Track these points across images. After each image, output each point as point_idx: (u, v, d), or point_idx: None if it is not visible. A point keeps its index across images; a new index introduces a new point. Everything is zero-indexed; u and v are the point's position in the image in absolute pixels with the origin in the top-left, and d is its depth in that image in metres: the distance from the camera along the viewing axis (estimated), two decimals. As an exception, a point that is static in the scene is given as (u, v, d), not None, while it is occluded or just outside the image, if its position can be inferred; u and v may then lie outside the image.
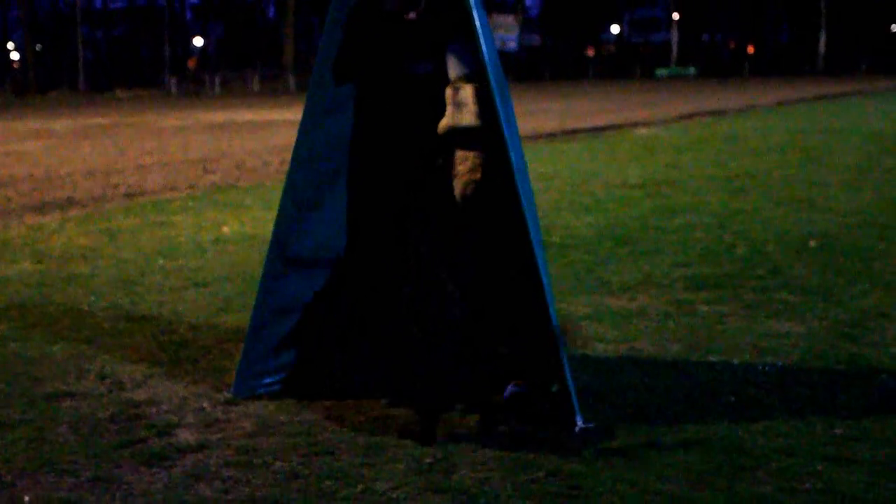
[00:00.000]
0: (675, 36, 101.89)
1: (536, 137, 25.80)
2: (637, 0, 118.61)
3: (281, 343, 6.27)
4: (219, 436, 5.68)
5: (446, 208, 5.72)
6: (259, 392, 6.26)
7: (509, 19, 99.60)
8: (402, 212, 5.83)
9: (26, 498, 4.92)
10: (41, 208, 15.15)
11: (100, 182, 18.45)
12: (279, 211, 6.18)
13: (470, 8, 5.62)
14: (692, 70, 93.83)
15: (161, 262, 10.72)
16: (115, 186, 17.74)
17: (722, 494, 4.82)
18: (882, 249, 10.55)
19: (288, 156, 6.40)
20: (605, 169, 18.83)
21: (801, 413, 5.87)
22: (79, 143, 28.35)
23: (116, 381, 6.70)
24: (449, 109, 5.75)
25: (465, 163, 5.74)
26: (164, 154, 23.99)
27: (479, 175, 5.73)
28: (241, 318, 7.97)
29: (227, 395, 6.30)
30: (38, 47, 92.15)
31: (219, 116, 40.98)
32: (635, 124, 31.18)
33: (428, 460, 5.27)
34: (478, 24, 5.61)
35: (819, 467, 5.10)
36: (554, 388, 5.84)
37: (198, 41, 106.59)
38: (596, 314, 8.14)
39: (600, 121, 32.91)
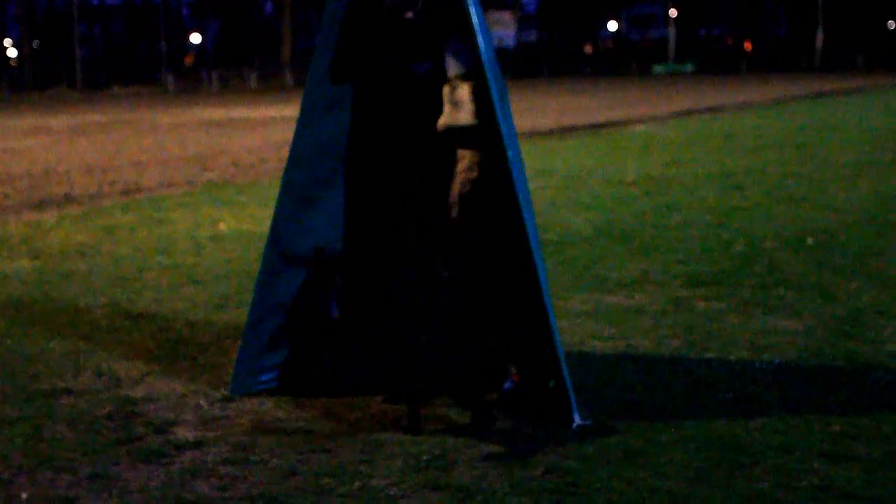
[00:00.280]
0: (672, 32, 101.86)
1: (534, 134, 25.80)
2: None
3: (278, 340, 6.27)
4: (216, 433, 5.68)
5: (443, 205, 5.72)
6: (256, 389, 6.26)
7: (506, 16, 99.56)
8: (398, 208, 5.83)
9: (24, 495, 4.91)
10: (38, 205, 15.15)
11: (97, 179, 18.44)
12: (276, 208, 6.18)
13: (467, 6, 5.62)
14: (690, 66, 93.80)
15: (158, 259, 10.72)
16: (113, 183, 17.74)
17: (719, 491, 4.82)
18: (879, 246, 10.56)
19: (285, 153, 6.40)
20: (603, 166, 18.83)
21: (799, 410, 5.87)
22: (76, 140, 28.33)
23: (114, 378, 6.70)
24: (446, 108, 5.76)
25: (462, 161, 5.74)
26: (162, 151, 23.98)
27: (476, 173, 5.74)
28: (238, 315, 7.97)
29: (225, 392, 6.30)
30: (35, 44, 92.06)
31: (216, 113, 40.96)
32: (633, 121, 31.18)
33: (425, 457, 5.27)
34: (475, 22, 5.61)
35: (816, 464, 5.11)
36: (551, 385, 5.85)
37: (195, 38, 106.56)
38: (594, 311, 8.14)
39: (598, 118, 32.91)
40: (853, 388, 6.24)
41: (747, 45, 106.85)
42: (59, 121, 37.86)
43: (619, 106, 40.42)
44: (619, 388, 6.29)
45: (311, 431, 5.67)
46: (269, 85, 76.90)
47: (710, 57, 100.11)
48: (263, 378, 6.29)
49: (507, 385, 6.02)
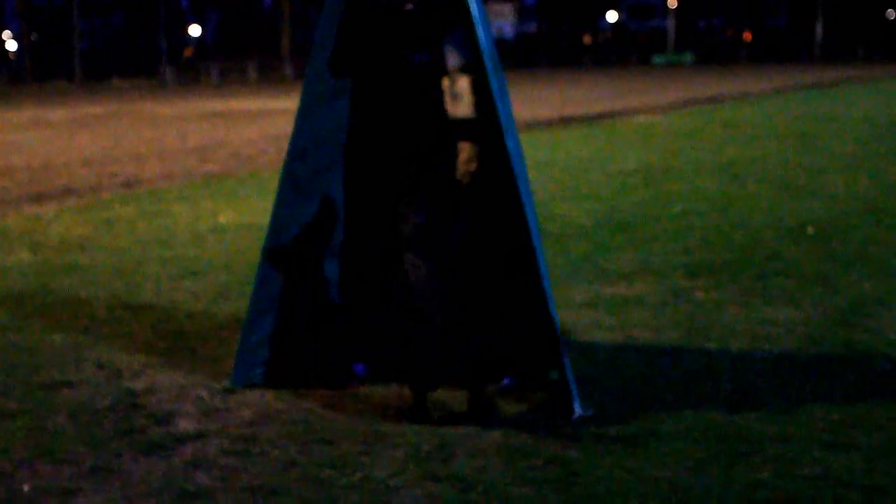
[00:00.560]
0: (672, 22, 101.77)
1: (533, 125, 25.79)
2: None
3: (279, 332, 6.27)
4: (217, 424, 5.69)
5: (443, 197, 5.72)
6: (257, 381, 6.27)
7: (506, 7, 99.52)
8: (399, 200, 5.83)
9: (25, 487, 4.92)
10: (38, 198, 15.15)
11: (97, 172, 18.44)
12: (276, 200, 6.18)
13: (467, -2, 5.62)
14: (689, 57, 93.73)
15: (158, 251, 10.72)
16: (112, 176, 17.73)
17: (720, 480, 4.83)
18: (879, 236, 10.56)
19: (285, 145, 6.38)
20: (603, 156, 18.83)
21: (799, 399, 5.88)
22: (76, 132, 28.32)
23: (115, 370, 6.70)
24: (446, 100, 5.76)
25: (461, 153, 5.74)
26: (161, 143, 23.98)
27: (475, 165, 5.74)
28: (238, 306, 7.98)
29: (226, 383, 6.31)
30: (33, 37, 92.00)
31: (216, 105, 40.94)
32: (632, 112, 31.17)
33: (426, 448, 5.28)
34: (475, 14, 5.62)
35: (816, 453, 5.12)
36: (553, 376, 5.85)
37: (194, 30, 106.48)
38: (594, 302, 8.15)
39: (597, 108, 32.89)
40: (853, 378, 6.25)
41: (747, 36, 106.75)
42: (59, 113, 37.85)
43: (619, 96, 40.40)
44: (620, 379, 6.30)
45: (311, 423, 5.68)
46: (269, 77, 76.84)
47: (710, 47, 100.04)
48: (263, 369, 6.29)
49: (505, 381, 6.04)
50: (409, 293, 5.71)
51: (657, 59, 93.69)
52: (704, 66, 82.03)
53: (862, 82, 48.56)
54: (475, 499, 4.71)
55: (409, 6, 5.79)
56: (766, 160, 17.52)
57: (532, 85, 51.86)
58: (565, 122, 27.81)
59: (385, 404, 5.91)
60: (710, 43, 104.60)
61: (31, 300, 8.68)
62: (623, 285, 8.68)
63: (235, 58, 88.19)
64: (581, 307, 7.98)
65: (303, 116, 6.09)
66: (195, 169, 18.56)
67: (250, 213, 13.02)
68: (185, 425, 5.69)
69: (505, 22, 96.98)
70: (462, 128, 5.75)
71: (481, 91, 5.70)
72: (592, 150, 20.20)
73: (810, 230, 10.85)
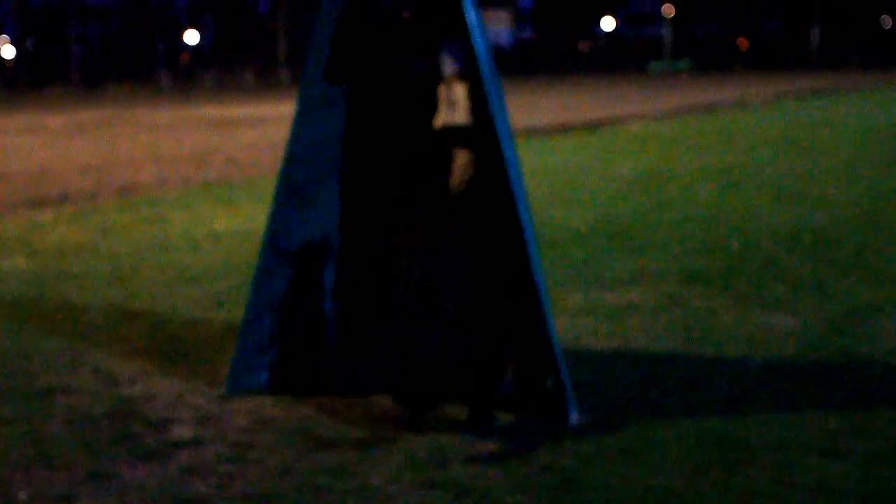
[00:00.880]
0: (668, 30, 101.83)
1: (530, 132, 25.80)
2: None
3: (275, 338, 6.27)
4: (214, 431, 5.69)
5: (440, 204, 5.73)
6: (254, 387, 6.26)
7: (502, 14, 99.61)
8: (396, 207, 5.84)
9: (22, 494, 4.92)
10: (35, 204, 15.13)
11: (93, 178, 18.43)
12: (273, 206, 6.18)
13: (464, 5, 5.63)
14: (685, 64, 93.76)
15: (155, 257, 10.72)
16: (109, 182, 17.73)
17: (716, 488, 4.83)
18: (875, 243, 10.58)
19: (281, 151, 6.39)
20: (599, 163, 18.84)
21: (795, 406, 5.88)
22: (72, 138, 28.31)
23: (111, 376, 6.70)
24: (442, 107, 5.76)
25: (458, 160, 5.75)
26: (158, 149, 23.97)
27: (472, 172, 5.74)
28: (235, 313, 7.98)
29: (222, 390, 6.30)
30: (28, 44, 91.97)
31: (212, 111, 40.94)
32: (629, 118, 31.19)
33: (422, 455, 5.28)
34: (471, 21, 5.62)
35: (812, 461, 5.12)
36: (549, 384, 5.85)
37: (191, 36, 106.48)
38: (590, 308, 8.15)
39: (594, 115, 32.91)
40: (849, 385, 6.26)
41: (743, 43, 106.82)
42: (55, 119, 37.83)
43: (616, 103, 40.43)
44: (616, 386, 6.31)
45: (308, 429, 5.68)
46: (265, 83, 76.81)
47: (707, 54, 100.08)
48: (260, 376, 6.29)
49: (503, 385, 6.03)
50: (406, 301, 5.71)
51: (654, 66, 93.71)
52: (701, 73, 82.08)
53: (857, 89, 48.61)
54: (471, 506, 4.71)
55: (406, 13, 5.80)
56: (761, 167, 17.54)
57: (529, 92, 51.88)
58: (562, 128, 27.83)
59: (382, 411, 5.91)
60: (706, 50, 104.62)
61: (28, 306, 8.68)
62: (619, 292, 8.68)
63: (232, 64, 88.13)
64: (577, 314, 7.98)
65: (299, 122, 6.09)
66: (192, 175, 18.55)
67: (247, 219, 13.02)
68: (181, 432, 5.69)
69: (501, 29, 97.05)
70: (458, 135, 5.75)
71: (478, 98, 5.71)
72: (589, 156, 20.21)
73: (806, 237, 10.86)
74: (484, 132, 5.69)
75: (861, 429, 5.52)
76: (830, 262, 9.68)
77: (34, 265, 10.46)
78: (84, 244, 11.59)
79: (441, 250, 5.72)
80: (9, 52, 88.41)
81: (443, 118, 5.76)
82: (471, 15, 5.64)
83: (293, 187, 6.16)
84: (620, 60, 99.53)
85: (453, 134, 5.74)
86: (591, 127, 28.22)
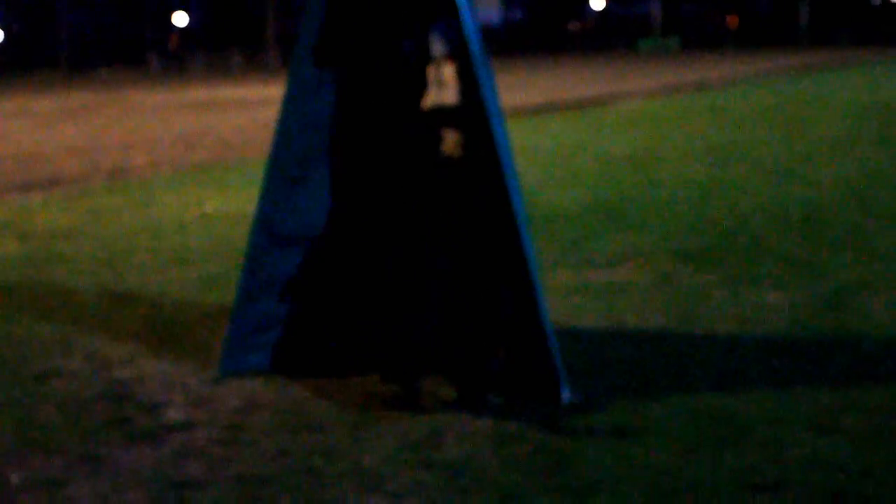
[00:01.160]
0: (657, 8, 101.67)
1: (520, 112, 25.77)
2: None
3: (266, 320, 6.27)
4: (206, 413, 5.69)
5: (430, 184, 5.73)
6: (246, 369, 6.26)
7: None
8: (386, 187, 5.83)
9: (15, 478, 4.92)
10: (24, 188, 15.10)
11: (83, 161, 18.39)
12: (263, 188, 6.17)
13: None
14: (675, 42, 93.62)
15: (145, 240, 10.70)
16: (99, 165, 17.69)
17: (709, 464, 4.85)
18: (864, 219, 10.59)
19: (271, 133, 6.38)
20: (590, 142, 18.84)
21: (787, 383, 5.90)
22: (62, 122, 28.24)
23: (103, 359, 6.70)
24: (431, 88, 5.75)
25: (447, 141, 5.74)
26: (148, 132, 23.91)
27: (461, 152, 5.74)
28: (226, 295, 7.96)
29: (214, 372, 6.30)
30: (14, 28, 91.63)
31: (201, 94, 40.84)
32: (619, 97, 31.16)
33: (415, 436, 5.28)
34: (460, 1, 5.61)
35: (805, 437, 5.14)
36: (541, 363, 5.85)
37: (180, 18, 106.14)
38: (581, 287, 8.16)
39: (584, 94, 32.88)
40: (840, 361, 6.27)
41: (732, 21, 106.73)
42: (45, 103, 37.72)
43: (605, 82, 40.39)
44: (608, 364, 6.32)
45: (301, 411, 5.68)
46: (254, 65, 76.61)
47: (696, 32, 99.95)
48: (252, 358, 6.29)
49: (495, 363, 6.04)
50: (397, 281, 5.72)
51: (643, 45, 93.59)
52: (691, 51, 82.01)
53: (847, 66, 48.60)
54: (465, 485, 4.72)
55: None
56: (752, 145, 17.54)
57: (518, 71, 51.80)
58: (552, 108, 27.80)
59: (374, 392, 5.92)
60: (696, 27, 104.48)
61: (19, 290, 8.67)
62: (610, 271, 8.69)
63: (221, 46, 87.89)
64: (569, 293, 7.99)
65: (289, 104, 6.08)
66: (182, 158, 18.52)
67: (237, 201, 13.00)
68: (173, 415, 5.69)
69: (490, 9, 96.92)
70: (448, 115, 5.75)
71: (467, 78, 5.70)
72: (579, 135, 20.20)
73: (797, 215, 10.88)
74: (473, 112, 5.68)
75: (853, 404, 5.54)
76: (821, 239, 9.69)
77: (25, 249, 10.44)
78: (75, 227, 11.57)
79: (431, 230, 5.72)
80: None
81: (432, 99, 5.75)
82: (459, -5, 5.63)
83: (284, 168, 6.15)
84: (610, 40, 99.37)
85: (442, 114, 5.73)
86: (581, 106, 28.20)
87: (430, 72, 5.76)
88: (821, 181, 13.22)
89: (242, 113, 29.30)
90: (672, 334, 6.93)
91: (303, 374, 6.19)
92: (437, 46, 5.76)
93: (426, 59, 5.76)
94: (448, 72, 5.74)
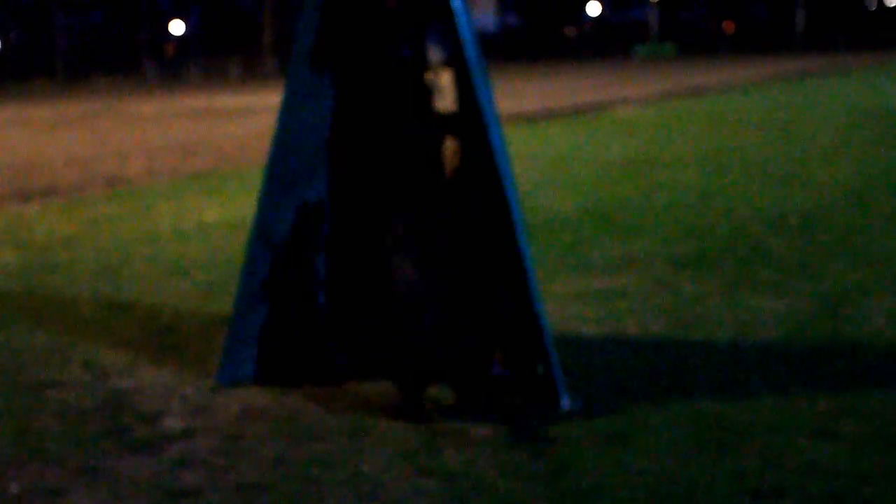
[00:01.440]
0: (653, 14, 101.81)
1: (517, 118, 25.79)
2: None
3: (265, 329, 6.26)
4: (204, 422, 5.69)
5: (428, 191, 5.73)
6: (244, 378, 6.26)
7: (487, 0, 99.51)
8: (384, 195, 5.83)
9: (13, 488, 4.91)
10: (22, 197, 15.10)
11: (80, 170, 18.39)
12: (260, 196, 6.17)
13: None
14: (672, 48, 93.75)
15: (143, 249, 10.70)
16: (96, 174, 17.69)
17: (707, 470, 4.85)
18: (862, 225, 10.60)
19: (268, 141, 6.38)
20: (586, 148, 18.85)
21: (785, 389, 5.90)
22: (59, 130, 28.24)
23: (101, 369, 6.69)
24: (428, 94, 5.75)
25: (444, 147, 5.74)
26: (144, 141, 23.92)
27: (459, 159, 5.74)
28: (224, 304, 7.97)
29: (212, 381, 6.30)
30: (12, 36, 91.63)
31: (198, 102, 40.86)
32: (615, 103, 31.19)
33: (414, 443, 5.28)
34: (456, 7, 5.62)
35: (803, 443, 5.14)
36: (539, 370, 5.86)
37: (176, 26, 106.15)
38: (579, 294, 8.16)
39: (580, 100, 32.91)
40: (839, 367, 6.27)
41: (729, 26, 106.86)
42: (41, 112, 37.73)
43: (602, 88, 40.43)
44: (606, 370, 6.32)
45: (299, 419, 5.68)
46: (251, 73, 76.70)
47: (692, 38, 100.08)
48: (250, 366, 6.29)
49: (494, 370, 6.04)
50: (397, 289, 5.72)
51: (639, 51, 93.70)
52: (687, 57, 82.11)
53: (843, 72, 48.67)
54: (464, 493, 4.72)
55: (392, 1, 5.79)
56: (748, 150, 17.56)
57: (515, 77, 51.86)
58: (548, 114, 27.82)
59: (372, 400, 5.92)
60: (692, 34, 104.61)
61: (16, 299, 8.66)
62: (608, 277, 8.69)
63: (217, 54, 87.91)
64: (567, 299, 7.99)
65: (286, 112, 6.08)
66: (179, 166, 18.52)
67: (235, 210, 13.00)
68: (172, 424, 5.69)
69: (487, 14, 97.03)
70: (445, 122, 5.75)
71: (464, 85, 5.71)
72: (576, 141, 20.22)
73: (794, 220, 10.89)
74: (471, 119, 5.68)
75: (851, 410, 5.54)
76: (818, 244, 9.70)
77: (22, 258, 10.44)
78: (72, 236, 11.57)
79: (429, 237, 5.72)
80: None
81: (429, 105, 5.75)
82: (456, 1, 5.64)
83: (281, 176, 6.15)
84: (606, 45, 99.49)
85: (440, 121, 5.73)
86: (578, 112, 28.22)
87: (427, 78, 5.76)
88: (818, 187, 13.23)
89: (240, 121, 29.32)
90: (671, 340, 6.93)
91: (300, 382, 6.18)
92: (434, 53, 5.76)
93: (423, 65, 5.76)
94: (444, 78, 5.75)
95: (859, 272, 8.57)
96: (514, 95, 35.43)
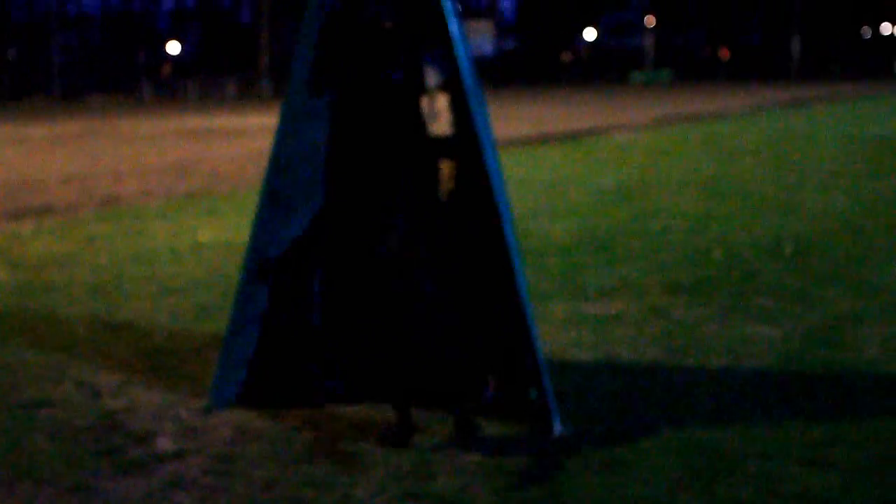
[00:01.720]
0: (649, 40, 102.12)
1: (512, 143, 25.83)
2: (612, 4, 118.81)
3: (259, 350, 6.26)
4: (197, 444, 5.68)
5: (424, 214, 5.73)
6: (237, 399, 6.25)
7: (484, 24, 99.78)
8: (380, 216, 5.84)
9: (4, 507, 4.90)
10: (16, 215, 15.09)
11: (75, 189, 18.39)
12: (256, 217, 6.17)
13: (445, 16, 5.64)
14: (667, 74, 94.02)
15: (138, 269, 10.69)
16: (91, 193, 17.69)
17: (700, 498, 4.84)
18: (856, 253, 10.61)
19: (264, 162, 6.38)
20: (582, 174, 18.87)
21: (778, 417, 5.90)
22: (54, 149, 28.25)
23: (94, 388, 6.68)
24: (424, 119, 5.76)
25: (440, 171, 5.75)
26: (140, 160, 23.93)
27: (454, 183, 5.75)
28: (218, 325, 7.96)
29: (205, 402, 6.29)
30: (10, 54, 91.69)
31: (194, 122, 40.89)
32: (611, 129, 31.25)
33: (406, 467, 5.27)
34: (454, 31, 5.64)
35: (796, 470, 5.13)
36: (532, 395, 5.85)
37: (173, 47, 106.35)
38: (573, 319, 8.16)
39: (576, 125, 32.98)
40: (832, 395, 6.28)
41: (724, 53, 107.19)
42: (37, 130, 37.73)
43: (598, 113, 40.51)
44: (600, 396, 6.31)
45: (291, 442, 5.67)
46: (248, 94, 76.77)
47: (688, 64, 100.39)
48: (243, 388, 6.27)
49: (487, 394, 6.03)
50: (390, 312, 5.72)
51: (635, 77, 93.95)
52: (683, 84, 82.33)
53: (838, 100, 48.82)
54: (456, 518, 4.71)
55: (388, 24, 5.80)
56: (743, 177, 17.59)
57: (511, 102, 51.95)
58: (544, 139, 27.87)
59: (365, 423, 5.91)
60: (687, 60, 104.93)
61: (9, 318, 8.65)
62: (603, 303, 8.70)
63: (214, 74, 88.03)
64: (561, 324, 7.99)
65: (283, 133, 6.09)
66: (174, 186, 18.53)
67: (230, 230, 13.00)
68: (164, 445, 5.68)
69: (483, 39, 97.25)
70: (441, 146, 5.76)
71: (460, 109, 5.72)
72: (571, 167, 20.25)
73: (788, 248, 10.90)
74: (466, 143, 5.69)
75: (844, 439, 5.54)
76: (812, 272, 9.71)
77: (15, 277, 10.43)
78: (66, 256, 11.56)
79: (424, 261, 5.72)
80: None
81: (426, 129, 5.76)
82: (453, 25, 5.65)
83: (276, 198, 6.15)
84: (602, 71, 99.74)
85: (436, 145, 5.74)
86: (574, 137, 28.27)
87: (424, 102, 5.77)
88: (812, 214, 13.26)
89: (236, 142, 29.34)
90: (664, 367, 6.93)
91: (293, 404, 6.17)
92: (431, 77, 5.77)
93: (419, 89, 5.77)
94: (441, 102, 5.76)
95: (854, 300, 8.58)
96: (510, 120, 35.49)
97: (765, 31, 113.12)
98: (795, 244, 11.09)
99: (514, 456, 5.38)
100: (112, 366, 7.18)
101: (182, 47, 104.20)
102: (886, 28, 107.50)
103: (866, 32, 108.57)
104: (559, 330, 7.83)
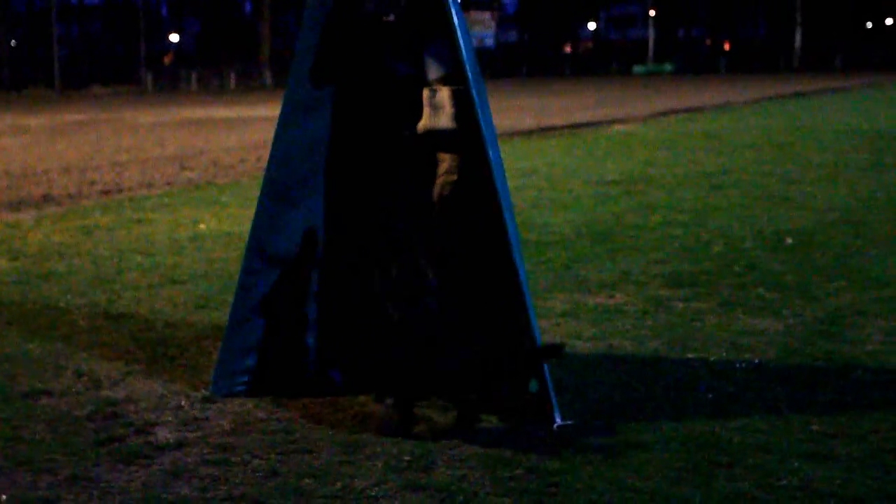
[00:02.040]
0: (651, 32, 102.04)
1: (514, 135, 25.82)
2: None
3: (260, 341, 6.26)
4: (197, 434, 5.68)
5: (425, 207, 5.73)
6: (237, 390, 6.25)
7: (486, 17, 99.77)
8: (381, 210, 5.83)
9: (3, 497, 4.90)
10: (17, 205, 15.09)
11: (76, 179, 18.38)
12: (257, 208, 6.17)
13: (448, 9, 5.63)
14: (669, 67, 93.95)
15: (138, 259, 10.69)
16: (92, 183, 17.68)
17: (700, 491, 4.84)
18: (858, 246, 10.60)
19: (265, 153, 6.39)
20: (583, 166, 18.86)
21: (778, 410, 5.89)
22: (55, 139, 28.24)
23: (94, 378, 6.68)
24: (426, 111, 5.76)
25: (442, 164, 5.75)
26: (141, 151, 23.92)
27: (455, 176, 5.75)
28: (218, 315, 7.96)
29: (205, 392, 6.29)
30: (12, 43, 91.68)
31: (195, 113, 40.87)
32: (613, 121, 31.23)
33: (406, 458, 5.27)
34: (455, 24, 5.63)
35: (796, 464, 5.13)
36: (533, 387, 5.85)
37: (174, 37, 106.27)
38: (574, 312, 8.15)
39: (578, 118, 32.95)
40: (833, 388, 6.27)
41: (726, 46, 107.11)
42: (38, 120, 37.72)
43: (599, 106, 40.48)
44: (600, 389, 6.31)
45: (291, 432, 5.67)
46: (248, 85, 76.80)
47: (690, 57, 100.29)
48: (244, 379, 6.28)
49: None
50: (392, 304, 5.72)
51: (637, 69, 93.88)
52: (684, 76, 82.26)
53: (840, 92, 48.77)
54: (456, 509, 4.71)
55: (391, 17, 5.80)
56: (745, 170, 17.57)
57: (512, 94, 51.93)
58: (545, 131, 27.85)
59: (365, 414, 5.90)
60: (689, 53, 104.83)
61: (10, 308, 8.65)
62: (603, 295, 8.69)
63: (215, 65, 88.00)
64: (562, 317, 7.99)
65: (284, 125, 6.08)
66: (175, 177, 18.52)
67: (231, 221, 13.00)
68: (164, 434, 5.68)
69: (485, 31, 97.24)
70: (443, 139, 5.75)
71: (462, 102, 5.71)
72: (572, 159, 20.23)
73: (789, 240, 10.89)
74: (468, 136, 5.68)
75: (845, 432, 5.53)
76: (813, 265, 9.70)
77: (16, 267, 10.42)
78: (67, 246, 11.56)
79: (425, 253, 5.72)
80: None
81: (427, 122, 5.76)
82: (454, 18, 5.64)
83: (277, 189, 6.15)
84: (604, 63, 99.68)
85: (437, 137, 5.74)
86: (575, 130, 28.25)
87: (425, 94, 5.76)
88: (814, 207, 13.25)
89: (236, 132, 29.33)
90: (665, 359, 6.92)
91: (293, 395, 6.17)
92: (433, 69, 5.77)
93: (421, 81, 5.77)
94: (443, 95, 5.75)
95: (855, 293, 8.57)
96: (511, 112, 35.47)
97: (768, 22, 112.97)
98: (797, 237, 11.08)
99: (513, 447, 5.38)
100: (112, 356, 7.18)
101: (183, 38, 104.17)
102: (889, 20, 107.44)
103: (870, 25, 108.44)
104: (560, 322, 7.83)
